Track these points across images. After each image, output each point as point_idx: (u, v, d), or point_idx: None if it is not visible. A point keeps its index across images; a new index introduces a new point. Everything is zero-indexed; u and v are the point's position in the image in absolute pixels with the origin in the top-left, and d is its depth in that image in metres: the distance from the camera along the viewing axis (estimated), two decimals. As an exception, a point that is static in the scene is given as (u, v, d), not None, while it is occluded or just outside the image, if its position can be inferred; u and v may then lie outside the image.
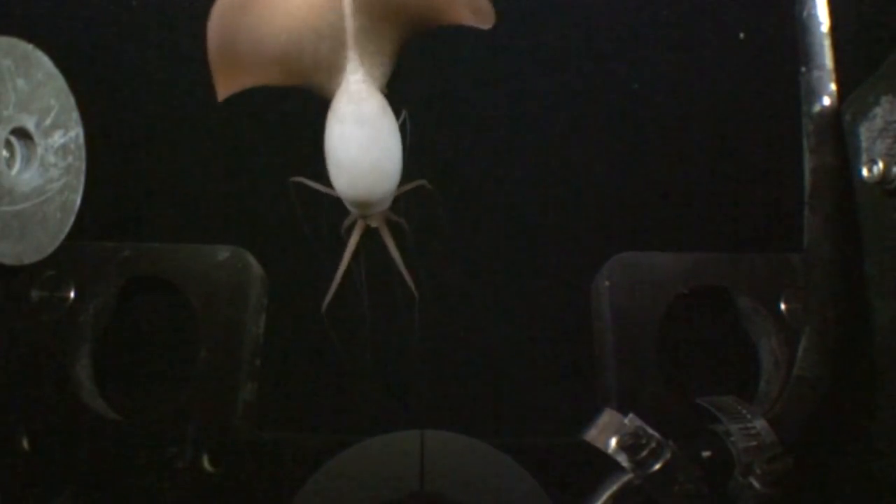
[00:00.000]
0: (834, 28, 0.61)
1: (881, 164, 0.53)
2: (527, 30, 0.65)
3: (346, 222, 0.57)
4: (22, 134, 0.55)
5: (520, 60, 0.65)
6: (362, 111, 0.52)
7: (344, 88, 0.52)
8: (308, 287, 0.58)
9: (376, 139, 0.52)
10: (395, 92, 0.55)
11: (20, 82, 0.54)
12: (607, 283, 0.55)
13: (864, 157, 0.55)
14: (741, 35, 0.66)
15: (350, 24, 0.52)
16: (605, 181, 0.63)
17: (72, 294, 0.58)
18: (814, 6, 0.62)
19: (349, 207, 0.55)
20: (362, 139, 0.52)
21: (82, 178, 0.59)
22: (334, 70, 0.53)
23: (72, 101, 0.59)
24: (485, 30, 0.53)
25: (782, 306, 0.57)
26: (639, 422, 0.46)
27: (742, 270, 0.58)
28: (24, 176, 0.55)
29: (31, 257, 0.55)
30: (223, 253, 0.58)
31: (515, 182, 0.64)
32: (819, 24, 0.61)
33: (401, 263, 0.56)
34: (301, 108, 0.61)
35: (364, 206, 0.54)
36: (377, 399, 0.59)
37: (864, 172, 0.54)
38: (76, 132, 0.59)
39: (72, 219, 0.58)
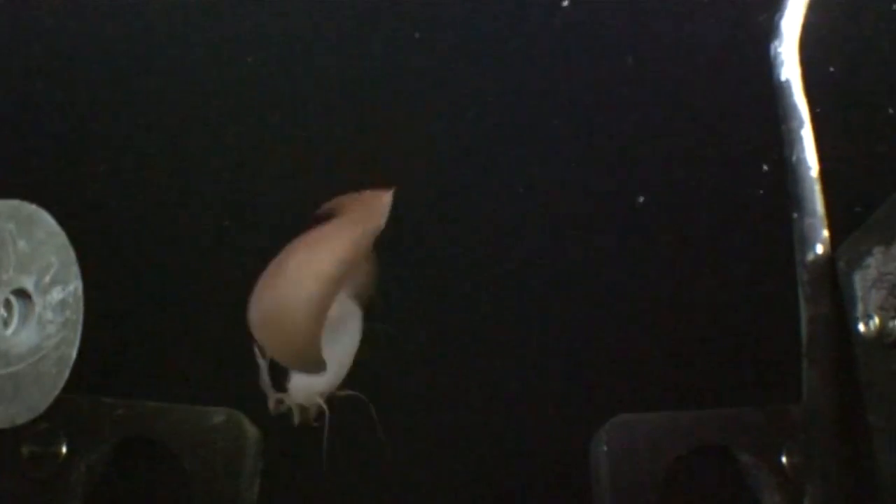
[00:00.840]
0: (824, 171, 0.61)
1: (877, 319, 0.52)
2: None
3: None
4: (21, 294, 0.55)
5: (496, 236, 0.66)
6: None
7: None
8: (303, 445, 0.57)
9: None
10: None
11: (21, 244, 0.55)
12: (605, 447, 0.54)
13: (860, 310, 0.54)
14: (764, 167, 0.67)
15: None
16: (598, 340, 0.63)
17: (63, 450, 0.57)
18: (802, 150, 0.62)
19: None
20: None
21: (79, 330, 0.59)
22: None
23: (72, 255, 0.58)
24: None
25: (784, 461, 0.56)
26: None
27: (741, 426, 0.57)
28: (21, 335, 0.54)
29: (24, 417, 0.53)
30: (218, 416, 0.57)
31: (505, 345, 0.64)
32: (808, 168, 0.62)
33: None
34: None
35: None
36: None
37: (861, 327, 0.53)
38: (75, 286, 0.59)
39: (67, 373, 0.57)
